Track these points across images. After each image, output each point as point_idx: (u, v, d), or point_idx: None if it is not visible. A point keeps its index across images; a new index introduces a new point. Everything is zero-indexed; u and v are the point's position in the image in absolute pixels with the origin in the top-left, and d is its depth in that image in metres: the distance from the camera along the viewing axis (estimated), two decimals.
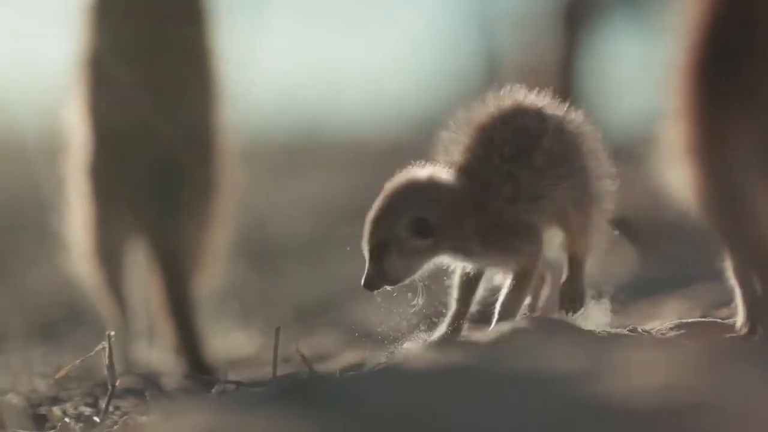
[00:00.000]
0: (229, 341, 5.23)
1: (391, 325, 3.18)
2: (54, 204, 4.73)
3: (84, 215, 4.55)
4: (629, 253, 4.73)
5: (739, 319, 3.00)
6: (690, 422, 1.93)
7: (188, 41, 4.58)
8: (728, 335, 2.99)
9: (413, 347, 3.18)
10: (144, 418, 3.23)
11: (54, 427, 3.35)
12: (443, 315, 3.21)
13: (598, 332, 3.05)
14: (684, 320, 3.14)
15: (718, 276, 3.09)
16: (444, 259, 3.11)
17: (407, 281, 3.11)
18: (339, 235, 9.11)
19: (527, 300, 3.10)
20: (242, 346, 5.17)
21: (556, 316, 3.07)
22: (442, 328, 3.13)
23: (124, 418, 3.35)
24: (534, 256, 3.01)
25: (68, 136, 4.60)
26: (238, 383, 3.29)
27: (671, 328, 3.09)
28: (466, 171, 3.02)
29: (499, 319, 3.03)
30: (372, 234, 3.05)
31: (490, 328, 3.03)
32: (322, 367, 3.87)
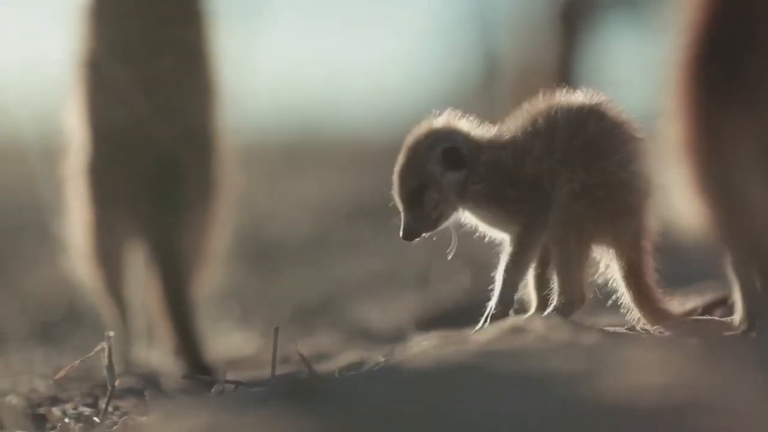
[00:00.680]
0: (229, 341, 5.23)
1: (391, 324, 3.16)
2: (53, 206, 4.73)
3: (83, 217, 4.55)
4: None
5: (738, 314, 3.00)
6: (690, 421, 1.93)
7: (187, 42, 4.58)
8: (727, 334, 2.99)
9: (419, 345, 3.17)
10: (143, 418, 3.23)
11: (54, 428, 3.35)
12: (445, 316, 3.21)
13: (598, 331, 3.05)
14: (683, 319, 3.14)
15: (718, 274, 3.09)
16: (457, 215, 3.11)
17: (444, 225, 3.10)
18: (338, 235, 9.12)
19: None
20: (241, 346, 5.17)
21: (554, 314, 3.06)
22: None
23: (123, 418, 3.36)
24: (533, 221, 3.02)
25: (67, 138, 4.60)
26: (238, 383, 3.29)
27: (671, 327, 3.09)
28: (498, 135, 3.08)
29: (501, 290, 3.04)
30: (404, 181, 3.06)
31: (492, 300, 3.05)
32: (321, 367, 3.87)
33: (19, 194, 9.58)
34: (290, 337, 5.04)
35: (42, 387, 3.96)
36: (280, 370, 3.57)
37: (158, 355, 4.61)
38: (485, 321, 3.06)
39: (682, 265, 5.03)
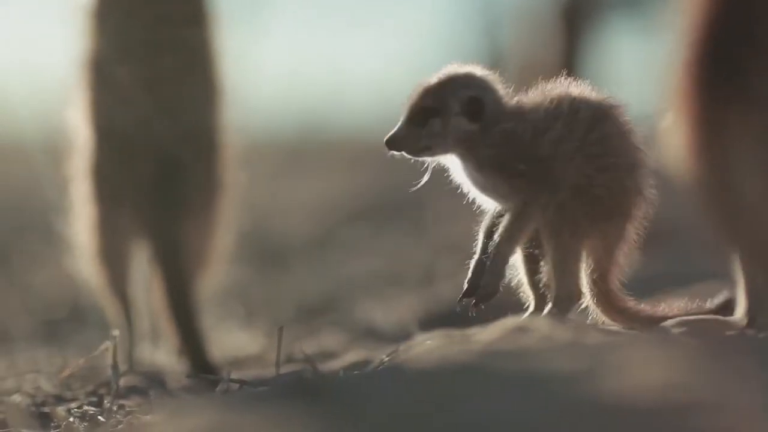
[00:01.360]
0: (233, 341, 5.23)
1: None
2: (57, 205, 4.74)
3: (88, 216, 4.56)
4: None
5: (739, 311, 3.01)
6: (691, 420, 1.93)
7: (190, 42, 4.58)
8: (730, 333, 3.00)
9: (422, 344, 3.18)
10: (148, 417, 3.24)
11: (58, 427, 3.35)
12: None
13: (601, 330, 3.06)
14: (685, 318, 3.14)
15: (721, 273, 3.09)
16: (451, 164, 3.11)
17: (427, 158, 3.11)
18: (342, 234, 9.12)
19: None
20: (246, 346, 5.18)
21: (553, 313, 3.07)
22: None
23: (128, 417, 3.36)
24: (535, 200, 3.03)
25: (71, 138, 4.61)
26: (242, 382, 3.29)
27: (673, 326, 3.09)
28: (519, 107, 3.10)
29: (492, 261, 3.05)
30: (421, 98, 3.08)
31: (487, 266, 3.05)
32: (325, 367, 3.87)
33: (23, 194, 9.60)
34: (294, 337, 5.05)
35: (47, 386, 3.96)
36: (285, 370, 3.58)
37: (163, 354, 4.62)
38: (471, 292, 3.07)
39: (684, 265, 5.04)
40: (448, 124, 3.06)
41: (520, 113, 3.08)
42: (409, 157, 3.10)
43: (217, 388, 3.27)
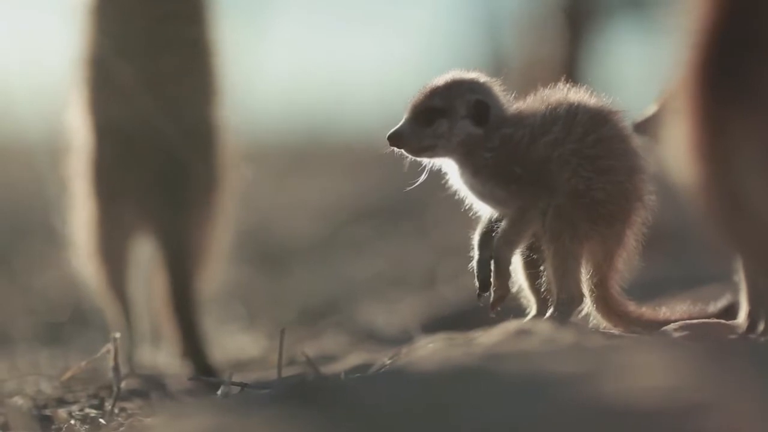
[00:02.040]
0: (235, 343, 5.23)
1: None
2: (58, 205, 4.74)
3: (88, 215, 4.55)
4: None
5: (741, 315, 3.01)
6: (693, 423, 1.93)
7: (190, 40, 4.58)
8: (731, 336, 3.00)
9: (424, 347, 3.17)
10: (149, 419, 3.24)
11: (60, 429, 3.35)
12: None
13: (603, 333, 3.05)
14: (687, 321, 3.14)
15: (723, 277, 3.09)
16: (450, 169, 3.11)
17: (428, 157, 3.11)
18: (344, 237, 9.12)
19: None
20: (247, 348, 5.17)
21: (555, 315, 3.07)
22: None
23: (129, 419, 3.36)
24: (532, 206, 3.02)
25: (71, 137, 4.61)
26: (243, 385, 3.29)
27: (675, 329, 3.09)
28: (519, 113, 3.11)
29: (497, 267, 3.05)
30: (430, 97, 3.09)
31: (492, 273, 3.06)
32: (327, 369, 3.87)
33: (25, 194, 9.60)
34: (296, 339, 5.05)
35: (48, 388, 3.96)
36: (286, 372, 3.57)
37: (164, 356, 4.62)
38: (485, 287, 3.07)
39: (687, 269, 5.03)
40: (454, 126, 3.06)
41: (519, 119, 3.09)
42: (408, 155, 3.10)
43: (219, 391, 3.26)
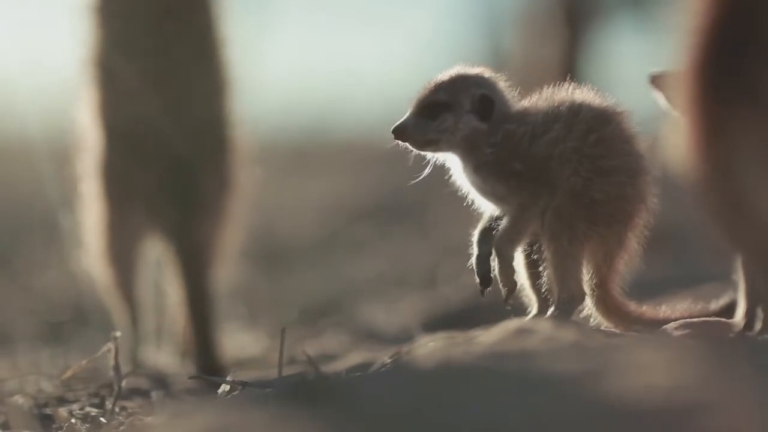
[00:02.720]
0: (236, 342, 5.23)
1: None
2: (61, 206, 4.74)
3: (96, 216, 4.56)
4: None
5: (739, 313, 3.01)
6: (694, 422, 1.93)
7: (197, 38, 4.58)
8: (733, 335, 3.00)
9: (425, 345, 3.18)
10: (150, 418, 3.24)
11: (60, 428, 3.35)
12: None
13: (604, 332, 3.05)
14: (690, 320, 3.14)
15: (724, 275, 3.09)
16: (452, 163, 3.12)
17: (432, 151, 3.11)
18: (345, 236, 9.12)
19: None
20: (248, 347, 5.18)
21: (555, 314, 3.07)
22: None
23: (130, 418, 3.36)
24: (531, 204, 3.02)
25: (79, 137, 4.61)
26: (244, 384, 3.29)
27: (676, 328, 3.09)
28: (522, 110, 3.11)
29: (500, 266, 3.06)
30: (436, 91, 3.09)
31: (495, 272, 3.07)
32: (328, 368, 3.87)
33: (26, 194, 9.60)
34: (297, 338, 5.05)
35: (49, 387, 3.96)
36: (287, 371, 3.57)
37: (165, 355, 4.62)
38: (486, 282, 3.08)
39: (688, 268, 5.03)
40: (459, 121, 3.06)
41: (522, 116, 3.08)
42: (411, 149, 3.10)
43: (220, 390, 3.26)
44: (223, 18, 4.62)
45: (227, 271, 4.70)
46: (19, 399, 3.71)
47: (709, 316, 3.19)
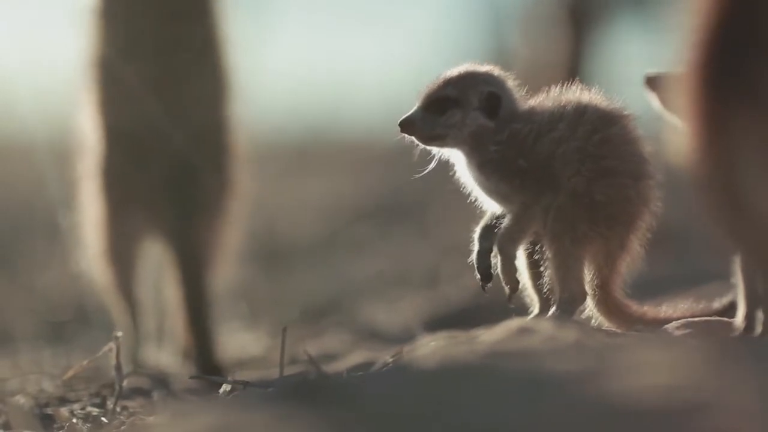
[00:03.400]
0: (237, 341, 5.23)
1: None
2: (62, 205, 4.74)
3: (97, 216, 4.56)
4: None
5: (739, 315, 3.01)
6: (696, 421, 1.93)
7: (200, 41, 4.58)
8: (734, 335, 3.00)
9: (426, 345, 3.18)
10: (151, 418, 3.24)
11: (62, 428, 3.35)
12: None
13: (605, 332, 3.05)
14: (691, 320, 3.14)
15: (726, 275, 3.09)
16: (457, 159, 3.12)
17: (438, 146, 3.12)
18: (347, 236, 9.12)
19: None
20: (249, 347, 5.18)
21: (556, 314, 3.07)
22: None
23: (131, 418, 3.36)
24: (534, 203, 3.02)
25: (80, 138, 4.61)
26: (246, 383, 3.29)
27: (677, 328, 3.09)
28: (529, 110, 3.12)
29: (502, 265, 3.06)
30: (442, 87, 3.10)
31: (498, 271, 3.07)
32: (329, 368, 3.87)
33: (28, 194, 9.60)
34: (298, 338, 5.05)
35: (50, 387, 3.96)
36: (288, 371, 3.57)
37: (167, 355, 4.62)
38: (487, 278, 3.09)
39: (690, 267, 5.03)
40: (466, 117, 3.07)
41: (529, 115, 3.09)
42: (417, 143, 3.10)
43: (221, 390, 3.26)
44: (224, 20, 4.62)
45: (228, 271, 4.70)
46: (20, 399, 3.72)
47: (711, 315, 3.19)
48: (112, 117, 4.51)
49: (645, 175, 3.07)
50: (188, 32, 4.57)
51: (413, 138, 3.10)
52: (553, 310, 3.07)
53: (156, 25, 4.53)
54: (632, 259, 3.11)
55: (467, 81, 3.10)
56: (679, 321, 3.13)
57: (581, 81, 3.14)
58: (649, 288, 3.58)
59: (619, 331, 3.11)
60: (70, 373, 3.84)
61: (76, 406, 3.65)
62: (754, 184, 2.42)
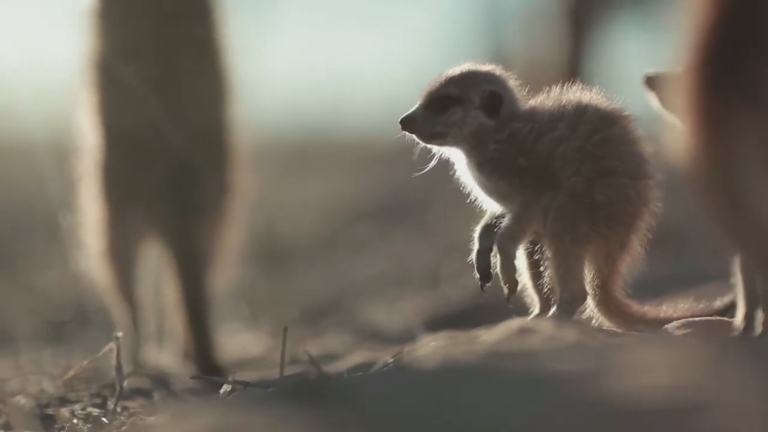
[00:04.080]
0: (237, 342, 5.24)
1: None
2: (62, 205, 4.75)
3: (97, 217, 4.56)
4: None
5: (739, 315, 3.01)
6: (697, 421, 1.93)
7: (199, 42, 4.58)
8: (735, 334, 3.00)
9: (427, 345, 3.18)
10: (152, 418, 3.24)
11: (62, 428, 3.35)
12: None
13: (606, 332, 3.05)
14: (691, 319, 3.14)
15: (725, 275, 3.09)
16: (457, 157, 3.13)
17: (439, 145, 3.12)
18: (347, 236, 9.12)
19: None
20: (250, 347, 5.18)
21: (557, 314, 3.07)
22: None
23: (132, 418, 3.36)
24: (533, 203, 3.03)
25: (80, 138, 4.61)
26: (246, 384, 3.29)
27: (678, 327, 3.09)
28: (529, 109, 3.12)
29: (501, 264, 3.06)
30: (443, 86, 3.10)
31: (497, 270, 3.07)
32: (329, 368, 3.87)
33: (28, 194, 9.60)
34: (299, 338, 5.05)
35: (51, 387, 3.96)
36: (289, 371, 3.57)
37: (167, 355, 4.62)
38: (486, 277, 3.09)
39: (691, 267, 5.03)
40: (467, 115, 3.07)
41: (529, 115, 3.09)
42: (418, 142, 3.11)
43: (222, 390, 3.26)
44: (224, 20, 4.63)
45: (228, 271, 4.71)
46: (20, 399, 3.72)
47: (712, 315, 3.19)
48: (111, 117, 4.51)
49: (645, 175, 3.07)
50: (188, 33, 4.58)
51: (414, 136, 3.10)
52: (553, 310, 3.07)
53: (156, 26, 4.53)
54: (632, 259, 3.11)
55: (469, 80, 3.10)
56: (679, 321, 3.13)
57: (581, 81, 3.14)
58: (649, 288, 3.58)
59: (619, 331, 3.11)
60: (70, 374, 3.84)
61: (76, 407, 3.65)
62: (754, 184, 2.42)
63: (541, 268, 3.08)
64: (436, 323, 4.83)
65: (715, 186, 2.49)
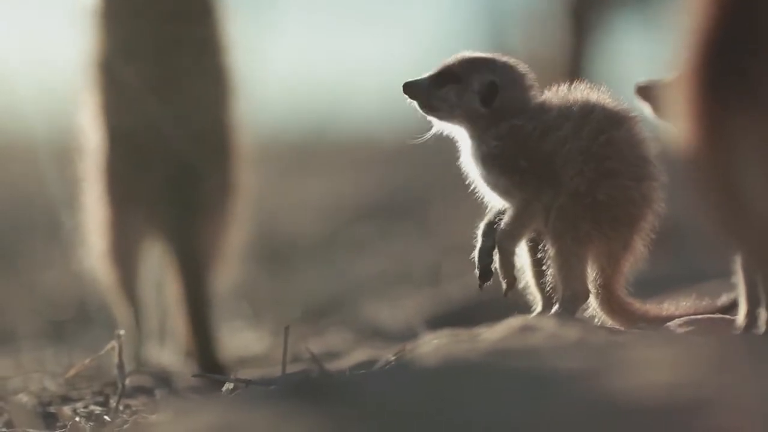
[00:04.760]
0: (239, 340, 5.24)
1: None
2: (64, 204, 4.75)
3: (99, 216, 4.57)
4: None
5: (741, 313, 3.01)
6: (698, 419, 1.93)
7: (201, 42, 4.58)
8: (736, 332, 3.00)
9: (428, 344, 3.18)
10: (154, 416, 3.24)
11: (64, 426, 3.35)
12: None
13: (607, 329, 3.06)
14: (693, 317, 3.14)
15: (727, 273, 3.09)
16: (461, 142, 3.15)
17: (435, 117, 3.15)
18: (349, 234, 9.12)
19: None
20: (252, 345, 5.18)
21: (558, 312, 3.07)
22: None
23: (134, 417, 3.36)
24: (534, 200, 3.03)
25: (82, 138, 4.62)
26: (248, 382, 3.29)
27: (680, 325, 3.09)
28: (537, 106, 3.12)
29: (501, 260, 3.07)
30: (453, 63, 3.14)
31: (496, 266, 3.08)
32: (331, 366, 3.87)
33: (30, 193, 9.61)
34: (301, 336, 5.05)
35: (53, 385, 3.97)
36: (291, 369, 3.57)
37: (169, 354, 4.62)
38: (485, 276, 3.09)
39: (692, 265, 5.03)
40: (462, 97, 3.08)
41: (534, 113, 3.09)
42: (419, 111, 3.13)
43: (224, 388, 3.27)
44: (225, 20, 4.63)
45: (230, 270, 4.71)
46: (23, 397, 3.72)
47: (714, 312, 3.19)
48: (114, 117, 4.52)
49: (649, 177, 3.07)
50: (189, 33, 4.58)
51: (414, 103, 3.13)
52: (555, 308, 3.07)
53: (157, 26, 4.54)
54: (635, 259, 3.11)
55: (475, 64, 3.13)
56: (681, 319, 3.13)
57: (582, 80, 3.14)
58: (650, 286, 3.58)
59: (621, 329, 3.11)
60: (72, 372, 3.84)
61: (78, 405, 3.66)
62: (754, 184, 2.42)
63: (544, 267, 3.08)
64: (438, 321, 4.83)
65: (716, 186, 2.50)
